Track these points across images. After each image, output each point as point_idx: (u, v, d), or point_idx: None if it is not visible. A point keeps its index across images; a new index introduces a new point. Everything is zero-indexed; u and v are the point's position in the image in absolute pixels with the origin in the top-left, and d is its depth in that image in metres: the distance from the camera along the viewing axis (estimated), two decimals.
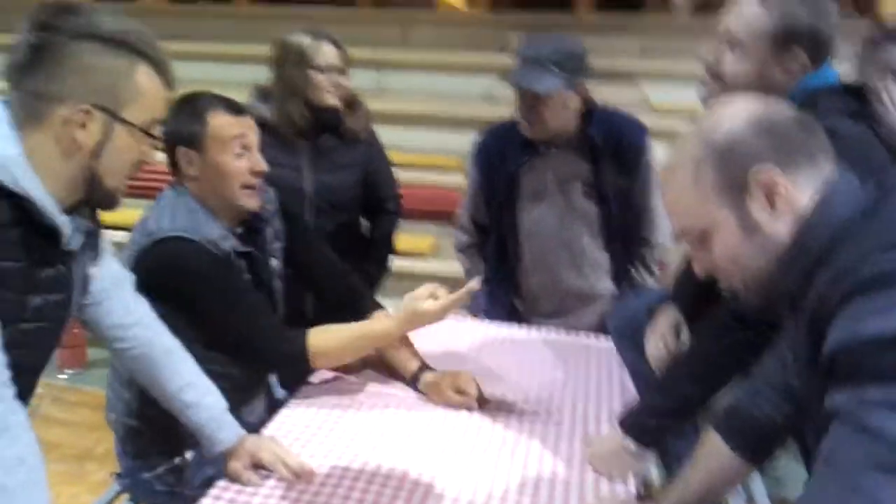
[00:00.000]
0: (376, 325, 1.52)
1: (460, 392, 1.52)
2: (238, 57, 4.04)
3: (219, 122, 1.45)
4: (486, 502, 1.21)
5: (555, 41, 1.82)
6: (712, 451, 1.13)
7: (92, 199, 1.04)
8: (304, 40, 2.00)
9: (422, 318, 1.43)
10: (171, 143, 1.47)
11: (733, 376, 1.28)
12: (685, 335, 1.50)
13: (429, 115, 3.98)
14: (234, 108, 1.48)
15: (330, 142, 2.08)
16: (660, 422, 1.30)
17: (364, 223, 2.28)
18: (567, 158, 1.89)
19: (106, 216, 1.15)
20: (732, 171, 0.87)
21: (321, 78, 1.99)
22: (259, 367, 1.54)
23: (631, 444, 1.31)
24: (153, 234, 1.41)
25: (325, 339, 1.47)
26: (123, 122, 1.00)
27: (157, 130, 1.07)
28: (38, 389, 3.01)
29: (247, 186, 1.49)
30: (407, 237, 3.55)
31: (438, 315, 1.42)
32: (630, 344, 1.73)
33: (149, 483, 1.54)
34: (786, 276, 0.88)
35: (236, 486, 1.25)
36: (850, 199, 0.86)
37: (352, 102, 2.11)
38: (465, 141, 3.31)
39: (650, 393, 1.37)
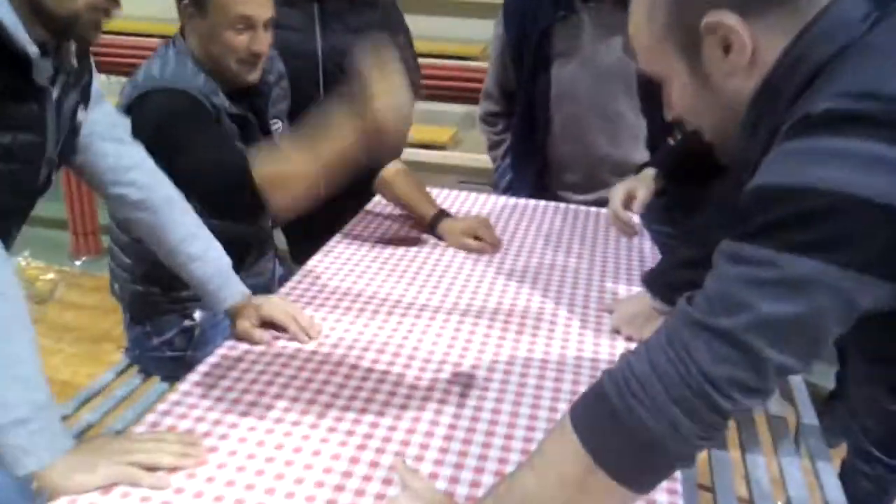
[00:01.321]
0: (332, 132, 1.07)
1: (476, 237, 1.53)
2: None
3: None
4: (505, 377, 1.12)
5: None
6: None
7: (48, 28, 0.89)
8: None
9: (381, 110, 1.03)
10: None
11: None
12: (643, 194, 1.42)
13: (453, 1, 3.75)
14: None
15: (341, 4, 1.92)
16: (689, 275, 1.18)
17: None
18: (606, 10, 1.70)
19: None
20: (685, 14, 0.72)
21: None
22: (211, 209, 1.24)
23: (659, 304, 1.20)
24: (143, 85, 1.29)
25: (272, 161, 1.11)
26: None
27: None
28: (52, 275, 3.02)
29: (244, 62, 1.34)
30: (427, 128, 3.39)
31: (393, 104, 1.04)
32: (656, 216, 1.61)
33: (158, 350, 1.49)
34: (744, 137, 0.75)
35: (244, 346, 1.17)
36: (832, 37, 0.67)
37: None
38: (491, 29, 3.11)
39: (677, 245, 1.24)
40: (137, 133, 1.20)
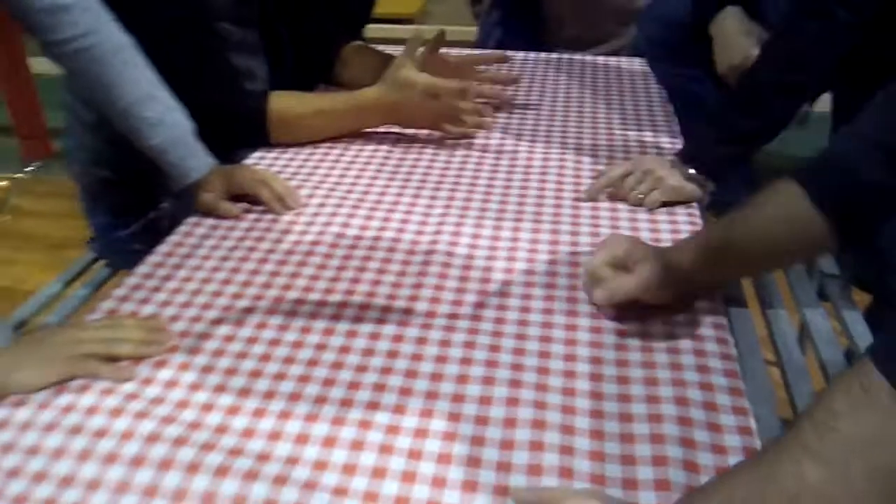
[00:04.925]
0: (357, 100, 1.20)
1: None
2: None
3: None
4: (510, 257, 0.98)
5: None
6: (783, 199, 0.76)
7: None
8: None
9: (411, 88, 1.16)
10: None
11: (827, 72, 1.00)
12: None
13: None
14: None
15: None
16: (742, 150, 1.03)
17: None
18: None
19: None
20: None
21: None
22: (208, 120, 1.11)
23: (701, 178, 1.03)
24: None
25: (291, 104, 1.18)
26: None
27: None
28: (4, 183, 2.83)
29: None
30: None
31: (429, 86, 1.16)
32: (665, 52, 1.44)
33: (125, 242, 1.32)
34: None
35: (210, 220, 1.01)
36: None
37: None
38: None
39: (727, 112, 1.05)
40: None
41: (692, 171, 1.02)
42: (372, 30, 1.83)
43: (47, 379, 0.71)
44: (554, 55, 1.60)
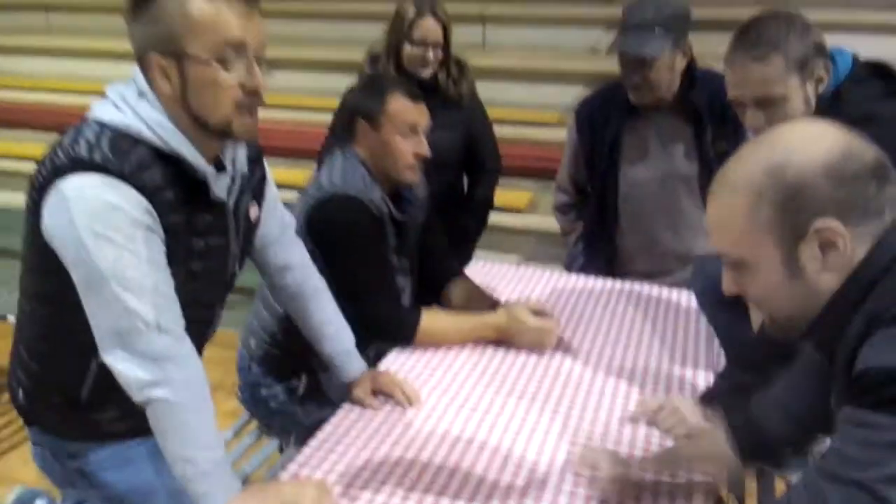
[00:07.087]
0: (480, 323, 1.67)
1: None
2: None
3: (397, 105, 1.65)
4: (555, 448, 1.36)
5: (658, 3, 1.86)
6: (715, 438, 1.17)
7: (213, 137, 1.11)
8: (409, 10, 2.13)
9: (520, 330, 1.64)
10: (352, 113, 1.70)
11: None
12: None
13: (531, 69, 4.00)
14: (413, 95, 1.68)
15: (430, 104, 2.19)
16: (742, 399, 1.30)
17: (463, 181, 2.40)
18: (669, 121, 1.95)
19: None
20: (794, 216, 0.85)
21: (414, 51, 2.12)
22: (369, 329, 1.61)
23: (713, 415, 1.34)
24: (327, 190, 1.63)
25: (434, 322, 1.66)
26: (190, 58, 1.03)
27: (233, 53, 1.05)
28: None
29: (410, 166, 1.68)
30: (504, 192, 3.62)
31: (535, 333, 1.63)
32: (713, 301, 1.80)
33: (264, 400, 1.78)
34: (823, 323, 0.88)
35: (358, 409, 1.45)
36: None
37: (457, 67, 2.22)
38: (568, 95, 3.28)
39: (731, 365, 1.41)
40: (319, 230, 1.57)
41: (710, 410, 1.37)
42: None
43: None
44: (626, 284, 2.01)
